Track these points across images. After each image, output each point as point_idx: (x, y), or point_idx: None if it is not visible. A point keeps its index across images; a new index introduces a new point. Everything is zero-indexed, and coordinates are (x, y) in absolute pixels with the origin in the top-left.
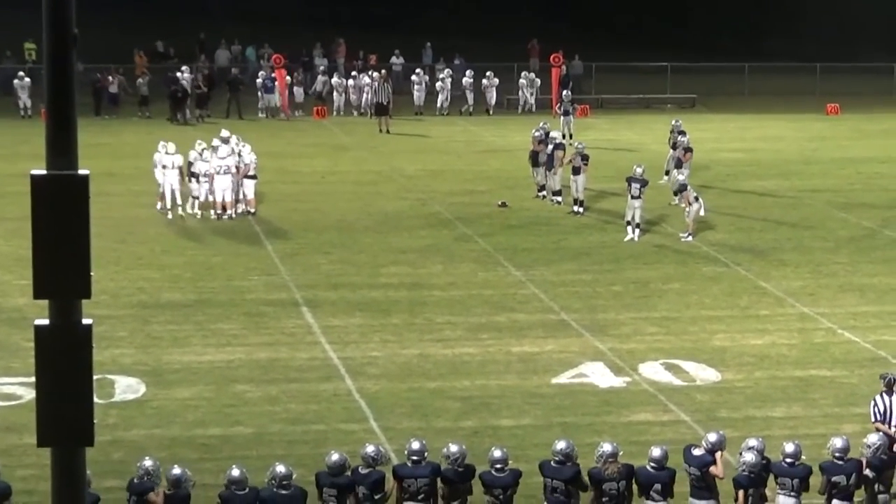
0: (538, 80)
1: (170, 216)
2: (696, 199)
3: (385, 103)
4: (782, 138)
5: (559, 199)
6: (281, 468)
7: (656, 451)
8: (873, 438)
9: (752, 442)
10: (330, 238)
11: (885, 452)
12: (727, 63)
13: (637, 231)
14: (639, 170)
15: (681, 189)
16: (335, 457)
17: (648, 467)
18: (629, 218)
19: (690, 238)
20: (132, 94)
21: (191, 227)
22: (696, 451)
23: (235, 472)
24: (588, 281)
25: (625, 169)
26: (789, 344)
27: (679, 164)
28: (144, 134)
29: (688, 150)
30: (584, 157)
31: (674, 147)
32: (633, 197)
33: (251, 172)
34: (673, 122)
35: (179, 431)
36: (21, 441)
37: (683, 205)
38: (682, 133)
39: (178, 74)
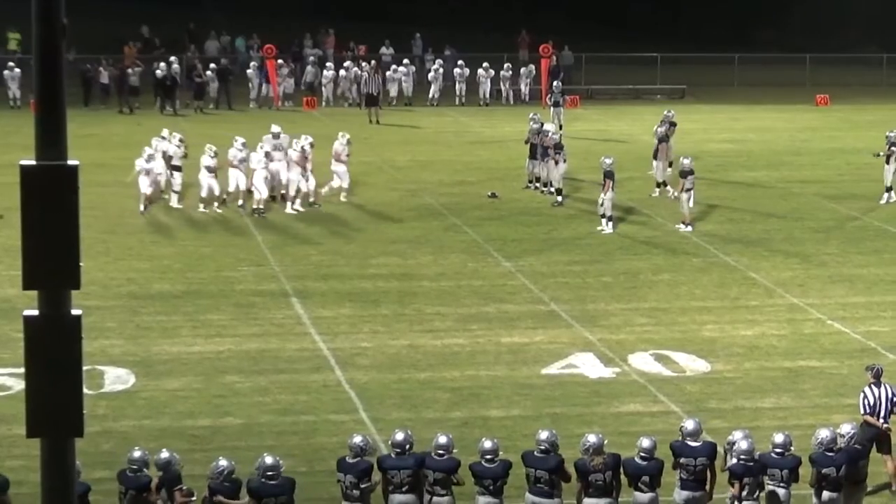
0: (533, 70)
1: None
2: (664, 187)
3: (375, 94)
4: (772, 129)
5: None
6: (269, 459)
7: (646, 442)
8: (846, 428)
9: (738, 434)
10: (319, 229)
11: (859, 442)
12: (717, 54)
13: (611, 223)
14: (608, 160)
15: (688, 173)
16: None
17: (637, 458)
18: (610, 212)
19: (690, 228)
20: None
21: (180, 217)
22: (694, 442)
23: (224, 463)
24: (578, 272)
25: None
26: (779, 335)
27: (655, 154)
28: (134, 125)
29: (662, 140)
30: (559, 147)
31: (666, 137)
32: (612, 189)
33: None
34: (665, 113)
35: (169, 422)
36: (10, 432)
37: (679, 192)
38: (674, 124)
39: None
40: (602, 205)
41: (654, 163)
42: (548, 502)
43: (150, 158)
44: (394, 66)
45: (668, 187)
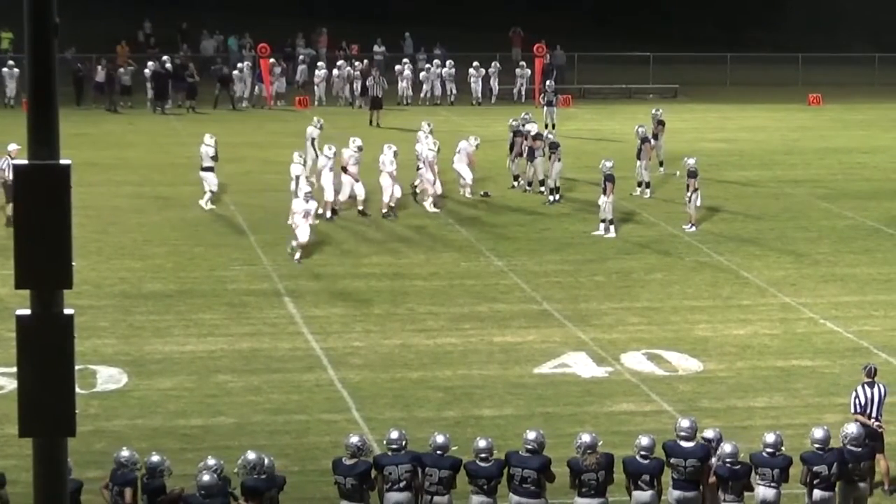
0: (529, 72)
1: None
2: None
3: (380, 96)
4: (764, 128)
5: (542, 189)
6: (251, 455)
7: (645, 440)
8: (852, 429)
9: (710, 433)
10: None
11: (860, 444)
12: (709, 53)
13: (612, 226)
14: (608, 164)
15: (694, 174)
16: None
17: (638, 457)
18: (608, 215)
19: (694, 229)
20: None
21: (172, 217)
22: (687, 444)
23: (208, 476)
24: (570, 271)
25: (608, 159)
26: (771, 334)
27: (639, 155)
28: (126, 124)
29: (645, 139)
30: (554, 146)
31: (655, 137)
32: (613, 193)
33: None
34: (653, 112)
35: (161, 422)
36: (3, 431)
37: (692, 194)
38: (662, 123)
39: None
40: (603, 208)
41: (638, 163)
42: (535, 502)
43: (309, 197)
44: (409, 67)
45: (648, 188)
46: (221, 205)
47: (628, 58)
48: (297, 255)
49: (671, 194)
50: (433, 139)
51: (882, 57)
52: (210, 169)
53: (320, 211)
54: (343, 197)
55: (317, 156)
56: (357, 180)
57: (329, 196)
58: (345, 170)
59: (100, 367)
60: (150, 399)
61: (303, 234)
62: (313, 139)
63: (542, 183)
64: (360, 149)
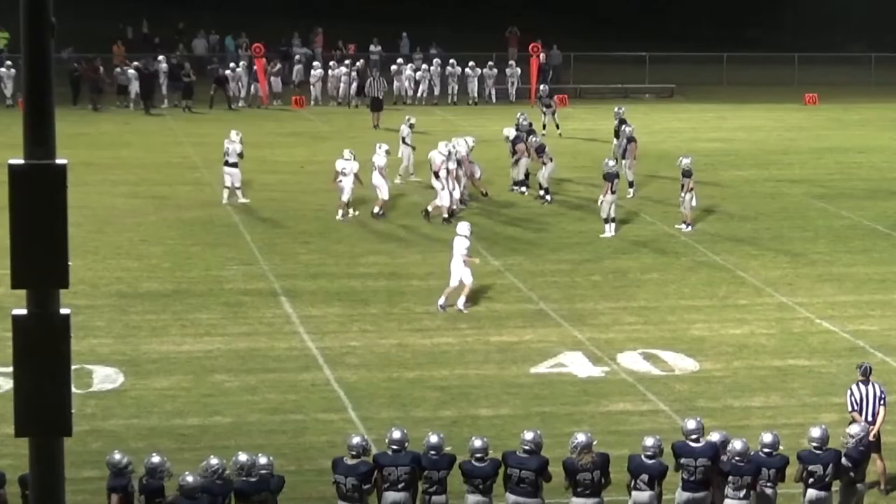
0: (519, 71)
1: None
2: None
3: (380, 98)
4: (761, 128)
5: (523, 189)
6: (242, 457)
7: (649, 440)
8: (855, 429)
9: (716, 436)
10: (308, 228)
11: (864, 444)
12: (706, 52)
13: (613, 225)
14: (611, 163)
15: (689, 174)
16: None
17: (643, 456)
18: (610, 214)
19: (689, 228)
20: (110, 83)
21: (169, 216)
22: (696, 443)
23: (191, 478)
24: (567, 271)
25: (603, 159)
26: (768, 333)
27: (624, 154)
28: (122, 123)
29: (631, 139)
30: (541, 149)
31: (616, 136)
32: (612, 192)
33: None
34: (616, 110)
35: (158, 421)
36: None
37: (686, 193)
38: (624, 122)
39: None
40: (602, 207)
41: (624, 162)
42: (532, 502)
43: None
44: (412, 66)
45: (632, 187)
46: (219, 204)
47: (624, 57)
48: (463, 303)
49: (667, 194)
50: (465, 138)
51: (878, 56)
52: (235, 165)
53: (376, 209)
54: (438, 202)
55: (399, 153)
56: (444, 187)
57: (384, 195)
58: (436, 175)
59: (96, 366)
60: (147, 399)
61: (466, 277)
62: (403, 138)
63: (521, 183)
64: (450, 154)
